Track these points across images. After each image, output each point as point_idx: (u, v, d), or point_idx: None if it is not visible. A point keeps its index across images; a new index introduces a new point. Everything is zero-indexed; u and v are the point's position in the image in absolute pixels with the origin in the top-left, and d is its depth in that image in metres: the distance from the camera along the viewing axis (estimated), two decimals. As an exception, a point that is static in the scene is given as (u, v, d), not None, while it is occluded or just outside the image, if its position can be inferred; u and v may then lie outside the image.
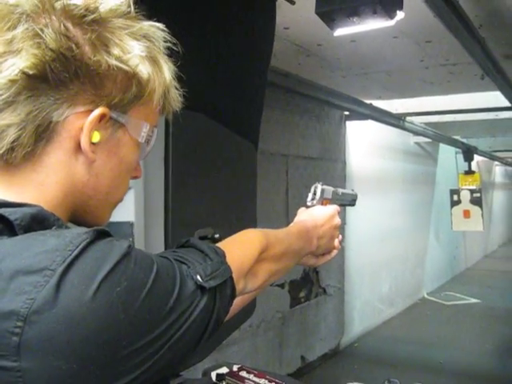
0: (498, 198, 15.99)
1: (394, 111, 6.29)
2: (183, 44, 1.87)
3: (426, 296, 9.30)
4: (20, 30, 0.68)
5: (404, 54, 3.92)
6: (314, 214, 1.24)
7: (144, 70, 0.75)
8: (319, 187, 1.31)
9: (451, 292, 9.65)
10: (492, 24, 3.17)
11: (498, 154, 11.48)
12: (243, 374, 1.84)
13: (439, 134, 7.35)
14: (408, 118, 6.32)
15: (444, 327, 7.46)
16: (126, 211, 1.55)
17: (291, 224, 1.21)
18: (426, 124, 7.00)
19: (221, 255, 0.80)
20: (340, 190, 1.40)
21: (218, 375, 1.84)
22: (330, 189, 1.35)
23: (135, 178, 0.87)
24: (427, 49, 3.74)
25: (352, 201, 1.50)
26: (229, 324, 2.18)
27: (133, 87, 0.75)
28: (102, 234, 0.66)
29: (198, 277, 0.73)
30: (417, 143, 8.77)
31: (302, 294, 5.54)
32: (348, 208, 6.19)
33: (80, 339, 0.59)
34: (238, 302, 1.23)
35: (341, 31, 1.79)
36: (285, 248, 1.04)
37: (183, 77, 1.83)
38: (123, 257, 0.64)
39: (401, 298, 8.23)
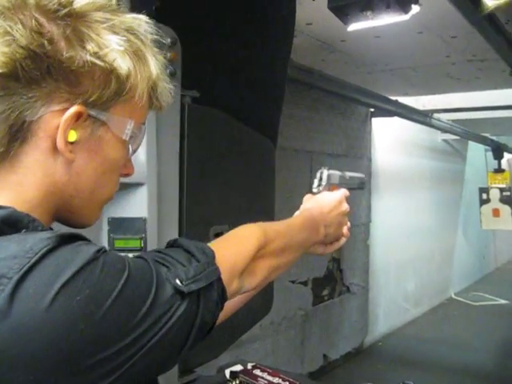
0: (529, 197, 15.64)
1: (421, 108, 6.19)
2: (198, 39, 1.86)
3: (453, 296, 9.15)
4: None
5: (429, 50, 3.85)
6: (321, 201, 1.20)
7: (123, 65, 0.72)
8: (325, 172, 1.27)
9: (479, 292, 9.47)
10: (520, 19, 3.09)
11: (530, 152, 11.23)
12: (257, 372, 1.83)
13: (468, 131, 7.22)
14: (435, 115, 6.22)
15: (471, 328, 7.33)
16: (139, 207, 1.55)
17: (297, 213, 1.17)
18: (454, 121, 6.88)
19: (209, 256, 0.77)
20: (348, 174, 1.35)
21: (231, 373, 1.83)
22: (336, 173, 1.30)
23: (126, 175, 0.86)
24: (453, 44, 3.67)
25: (361, 184, 1.45)
26: (244, 321, 2.18)
27: (112, 83, 0.72)
28: (68, 239, 0.64)
29: (177, 281, 0.70)
30: (445, 140, 8.63)
31: (325, 292, 5.51)
32: (373, 205, 6.15)
33: (35, 350, 0.58)
34: (240, 299, 1.21)
35: (355, 26, 1.76)
36: (286, 242, 1.00)
37: (199, 74, 1.81)
38: (87, 263, 0.62)
39: (427, 297, 8.12)
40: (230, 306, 1.18)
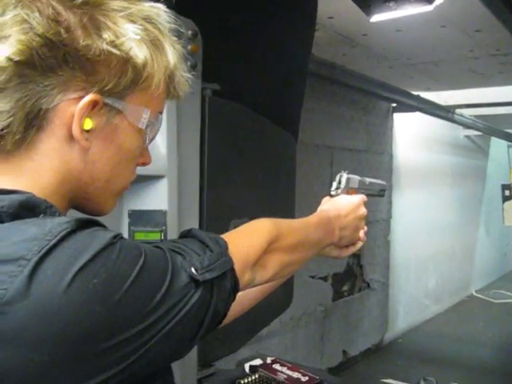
0: (553, 194, 15.41)
1: (442, 103, 6.12)
2: (219, 32, 1.86)
3: (474, 293, 9.06)
4: (9, 15, 0.66)
5: (452, 44, 3.80)
6: (338, 204, 1.19)
7: (140, 54, 0.72)
8: (344, 176, 1.27)
9: (501, 290, 9.35)
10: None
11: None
12: (276, 366, 1.83)
13: (490, 126, 7.12)
14: (457, 111, 6.15)
15: (491, 326, 7.24)
16: (159, 199, 1.55)
17: (313, 214, 1.16)
18: (476, 117, 6.79)
19: (223, 246, 0.78)
20: (367, 180, 1.34)
21: (251, 367, 1.83)
22: (356, 178, 1.30)
23: (143, 164, 0.85)
24: (476, 38, 3.62)
25: (381, 191, 1.43)
26: (264, 316, 2.17)
27: (128, 72, 0.72)
28: (86, 224, 0.64)
29: (193, 269, 0.70)
30: (467, 136, 8.53)
31: (345, 288, 5.49)
32: (394, 201, 6.10)
33: (53, 332, 0.58)
34: (256, 295, 1.22)
35: (378, 17, 1.74)
36: (299, 238, 0.99)
37: (219, 66, 1.81)
38: (104, 247, 0.62)
39: (448, 294, 8.05)
40: (247, 300, 1.19)
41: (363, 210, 1.22)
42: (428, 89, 5.62)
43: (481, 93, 6.00)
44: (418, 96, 5.38)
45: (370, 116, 5.70)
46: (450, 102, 6.28)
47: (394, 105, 5.93)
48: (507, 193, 8.30)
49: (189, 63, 1.66)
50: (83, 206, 0.80)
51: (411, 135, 6.67)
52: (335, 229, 1.13)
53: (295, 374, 1.77)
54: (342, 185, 1.26)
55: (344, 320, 5.47)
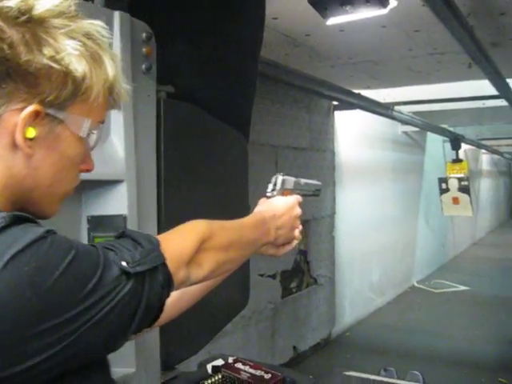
0: (484, 186, 16.11)
1: (381, 101, 6.30)
2: (170, 36, 1.85)
3: (415, 284, 9.36)
4: None
5: (392, 44, 3.92)
6: (273, 205, 1.23)
7: (79, 68, 0.78)
8: (280, 178, 1.30)
9: (440, 280, 9.73)
10: (479, 12, 3.17)
11: (485, 143, 11.55)
12: (239, 365, 1.84)
13: (427, 122, 7.38)
14: (396, 108, 6.33)
15: (434, 315, 7.52)
16: (119, 204, 1.53)
17: (250, 215, 1.21)
18: (414, 113, 7.02)
19: (154, 243, 0.83)
20: (303, 180, 1.38)
21: (213, 367, 1.83)
22: (291, 179, 1.33)
23: (87, 171, 0.91)
24: (416, 38, 3.75)
25: (316, 191, 1.47)
26: (223, 316, 2.18)
27: (68, 85, 0.78)
28: (21, 220, 0.70)
29: (124, 262, 0.75)
30: (405, 132, 8.80)
31: (293, 285, 5.56)
32: (338, 198, 6.21)
33: None
34: (193, 294, 1.28)
35: (333, 20, 1.78)
36: (234, 238, 1.04)
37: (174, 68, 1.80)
38: (36, 240, 0.68)
39: (391, 286, 8.29)
40: (185, 300, 1.26)
41: (298, 210, 1.27)
42: (368, 87, 5.76)
43: (417, 90, 6.21)
44: (359, 94, 5.50)
45: (312, 114, 5.79)
46: (389, 100, 6.47)
47: (336, 103, 6.04)
48: (444, 186, 8.63)
49: (143, 66, 1.65)
50: (27, 209, 0.83)
51: (352, 133, 6.83)
52: (271, 228, 1.17)
53: (258, 372, 1.79)
54: (278, 186, 1.29)
55: (293, 316, 5.55)
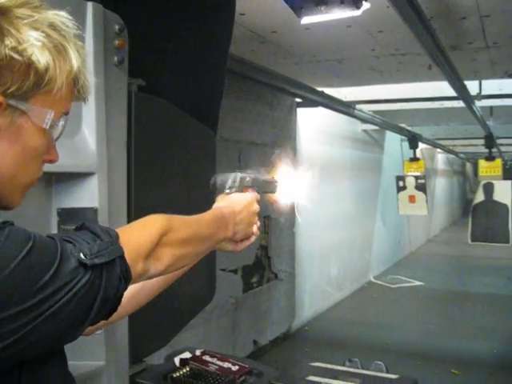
0: (439, 185, 16.52)
1: (343, 99, 6.39)
2: (141, 29, 1.84)
3: (372, 279, 9.55)
4: None
5: (356, 43, 3.98)
6: (232, 201, 1.25)
7: (42, 59, 0.77)
8: (238, 175, 1.33)
9: (396, 275, 9.95)
10: (441, 16, 3.27)
11: (441, 142, 11.85)
12: (206, 358, 1.86)
13: (386, 121, 7.52)
14: (357, 106, 6.44)
15: (390, 309, 7.70)
16: (89, 197, 1.53)
17: (209, 210, 1.22)
18: (373, 112, 7.15)
19: (113, 236, 0.83)
20: (260, 178, 1.42)
21: (181, 360, 1.85)
22: (249, 176, 1.36)
23: (50, 162, 0.90)
24: (379, 38, 3.82)
25: (273, 188, 1.51)
26: (189, 309, 2.19)
27: (31, 76, 0.77)
28: None
29: (81, 254, 0.76)
30: (364, 131, 8.95)
31: (254, 280, 5.60)
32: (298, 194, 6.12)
33: None
34: (152, 289, 1.27)
35: (308, 19, 1.81)
36: (192, 233, 1.05)
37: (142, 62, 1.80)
38: None
39: (349, 281, 8.43)
40: (143, 295, 1.26)
41: (256, 206, 1.29)
42: (330, 85, 5.83)
43: (378, 89, 6.33)
44: (322, 92, 5.57)
45: (275, 111, 5.83)
46: (350, 98, 6.57)
47: (299, 100, 6.10)
48: (401, 184, 8.81)
49: (115, 58, 1.64)
50: None
51: (314, 130, 6.90)
52: (229, 224, 1.19)
53: (225, 364, 1.81)
54: (236, 183, 1.32)
55: (254, 311, 5.59)
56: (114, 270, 0.81)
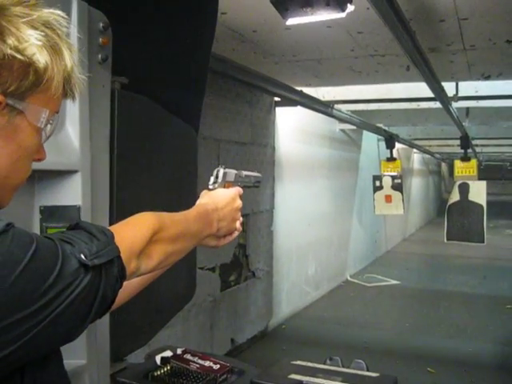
0: (415, 184, 16.71)
1: (320, 98, 6.42)
2: (124, 27, 1.84)
3: (349, 278, 9.62)
4: None
5: (336, 44, 4.01)
6: (215, 197, 1.26)
7: (41, 58, 0.77)
8: (221, 171, 1.34)
9: (373, 274, 10.05)
10: (420, 19, 3.31)
11: (417, 142, 11.99)
12: (188, 356, 1.86)
13: (364, 121, 7.59)
14: (335, 106, 6.48)
15: (367, 308, 7.77)
16: (72, 195, 1.52)
17: (193, 207, 1.23)
18: (350, 112, 7.20)
19: (109, 236, 0.84)
20: (244, 173, 1.43)
21: (162, 358, 1.85)
22: (232, 172, 1.38)
23: (39, 160, 0.90)
24: (358, 39, 3.85)
25: (256, 182, 1.52)
26: (171, 307, 2.19)
27: (30, 75, 0.77)
28: None
29: (82, 255, 0.76)
30: (342, 130, 9.01)
31: (232, 278, 5.61)
32: (276, 192, 6.29)
33: None
34: (136, 286, 1.30)
35: (293, 20, 1.82)
36: (181, 230, 1.06)
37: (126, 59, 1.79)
38: None
39: (326, 280, 8.49)
40: (131, 288, 1.28)
41: (239, 202, 1.31)
42: (309, 84, 5.86)
43: (355, 89, 6.38)
44: (301, 91, 5.60)
45: (254, 110, 5.85)
46: (328, 98, 6.61)
47: (277, 99, 6.12)
48: (378, 183, 8.88)
49: (99, 56, 1.63)
50: None
51: (292, 129, 6.93)
52: (213, 220, 1.21)
53: (207, 363, 1.82)
54: (219, 179, 1.33)
55: (232, 309, 5.60)
56: (112, 270, 0.81)
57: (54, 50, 0.79)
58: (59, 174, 1.51)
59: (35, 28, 0.77)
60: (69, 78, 0.84)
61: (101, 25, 1.61)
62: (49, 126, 0.86)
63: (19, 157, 0.82)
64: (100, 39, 1.61)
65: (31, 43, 0.75)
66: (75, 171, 1.52)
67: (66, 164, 1.50)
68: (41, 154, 0.90)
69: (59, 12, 0.82)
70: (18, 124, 0.80)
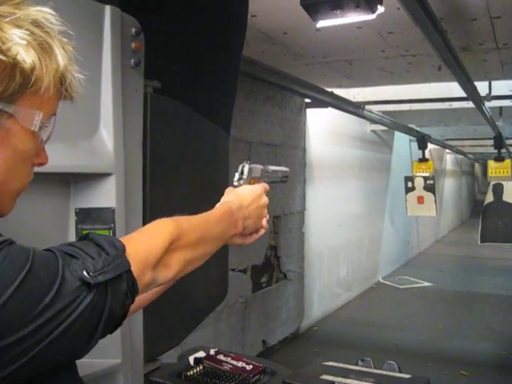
0: (448, 185, 16.47)
1: (352, 99, 6.40)
2: (156, 32, 1.87)
3: (381, 280, 9.54)
4: None
5: (366, 44, 3.99)
6: (240, 194, 1.21)
7: (27, 58, 0.73)
8: (246, 166, 1.28)
9: (405, 276, 9.94)
10: (451, 18, 3.27)
11: (450, 143, 11.82)
12: (220, 357, 1.87)
13: (395, 122, 7.52)
14: (366, 107, 6.45)
15: (399, 310, 7.69)
16: (107, 197, 1.55)
17: (217, 205, 1.19)
18: (383, 112, 7.15)
19: (119, 249, 0.79)
20: (270, 168, 1.37)
21: (195, 359, 1.87)
22: (258, 167, 1.32)
23: (40, 165, 0.87)
24: (389, 40, 3.83)
25: (284, 177, 1.47)
26: (204, 308, 2.21)
27: (16, 77, 0.73)
28: None
29: (85, 272, 0.72)
30: (373, 131, 8.95)
31: (263, 279, 5.62)
32: (308, 194, 6.28)
33: None
34: (149, 296, 1.21)
35: (323, 23, 1.82)
36: (201, 235, 1.01)
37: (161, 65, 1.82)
38: None
39: (357, 282, 8.43)
40: (145, 297, 1.20)
41: (265, 199, 1.25)
42: (340, 85, 5.85)
43: (386, 90, 6.33)
44: (332, 92, 5.59)
45: (285, 111, 5.85)
46: (358, 99, 6.58)
47: (308, 100, 6.11)
48: (410, 184, 8.79)
49: (132, 61, 1.67)
50: None
51: (323, 130, 6.91)
52: (238, 220, 1.15)
53: (240, 364, 1.83)
54: (245, 175, 1.27)
55: (263, 311, 5.61)
56: (120, 286, 0.76)
57: (42, 48, 0.75)
58: (94, 177, 1.54)
59: (20, 27, 0.73)
60: (63, 77, 0.79)
61: (133, 30, 1.64)
62: (45, 128, 0.82)
63: (15, 162, 0.79)
64: (133, 44, 1.64)
65: (15, 42, 0.72)
66: (109, 174, 1.55)
67: (100, 167, 1.53)
68: (41, 159, 0.86)
69: (48, 9, 0.78)
70: (9, 128, 0.76)
